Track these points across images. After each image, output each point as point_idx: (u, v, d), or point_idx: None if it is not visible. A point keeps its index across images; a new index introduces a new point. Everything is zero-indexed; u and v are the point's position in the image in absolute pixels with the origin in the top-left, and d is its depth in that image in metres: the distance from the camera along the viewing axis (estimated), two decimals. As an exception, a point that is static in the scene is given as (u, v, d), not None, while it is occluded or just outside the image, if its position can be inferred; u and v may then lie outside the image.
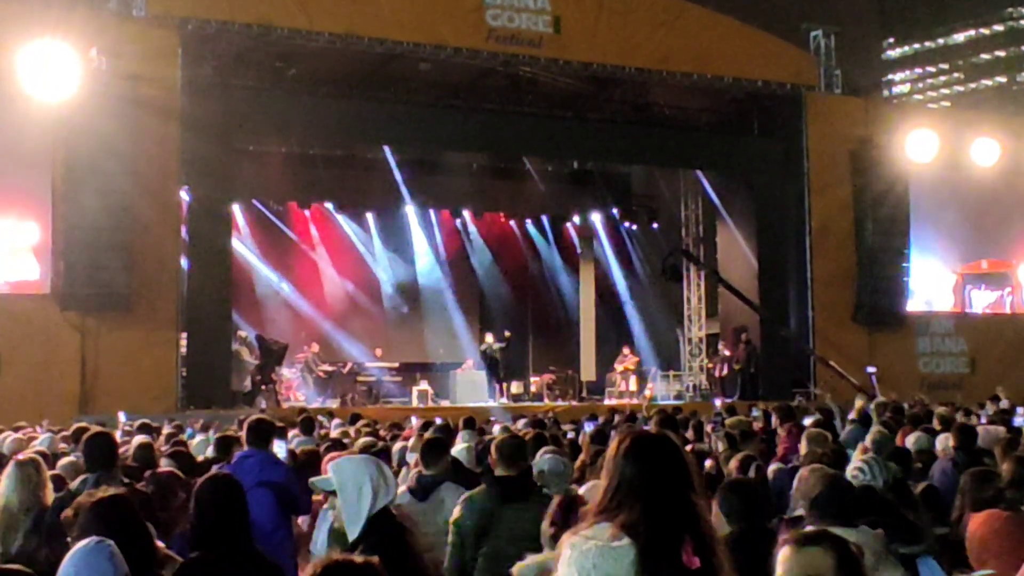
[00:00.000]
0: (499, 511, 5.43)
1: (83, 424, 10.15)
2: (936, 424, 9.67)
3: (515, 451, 5.84)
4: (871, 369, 20.05)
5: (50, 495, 5.66)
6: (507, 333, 24.34)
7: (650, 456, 3.05)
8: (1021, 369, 24.50)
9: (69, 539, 3.91)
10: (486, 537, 5.41)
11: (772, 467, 7.49)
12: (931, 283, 25.93)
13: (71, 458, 7.41)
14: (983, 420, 11.56)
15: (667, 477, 3.01)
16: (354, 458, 4.44)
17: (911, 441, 8.10)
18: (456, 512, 5.54)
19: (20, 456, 6.18)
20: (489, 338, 24.24)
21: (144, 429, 10.55)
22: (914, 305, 25.26)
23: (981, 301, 26.70)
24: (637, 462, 3.03)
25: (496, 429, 11.36)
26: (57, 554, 5.11)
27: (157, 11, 18.73)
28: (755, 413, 14.59)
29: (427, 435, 7.92)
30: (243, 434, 7.42)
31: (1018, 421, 10.05)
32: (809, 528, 3.03)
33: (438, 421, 12.39)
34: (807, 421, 10.21)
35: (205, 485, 4.45)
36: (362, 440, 9.29)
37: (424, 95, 22.26)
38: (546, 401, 23.54)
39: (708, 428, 11.01)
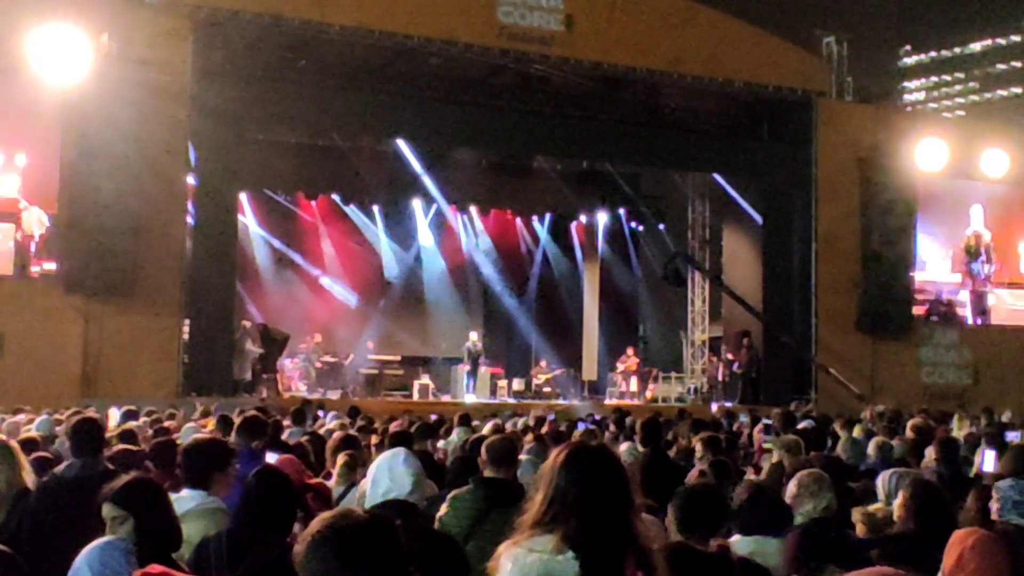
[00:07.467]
0: (485, 513, 5.18)
1: (74, 410, 10.18)
2: (909, 434, 9.58)
3: (505, 453, 5.60)
4: None
5: (28, 477, 5.69)
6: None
7: (587, 469, 2.99)
8: (1024, 382, 24.46)
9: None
10: (471, 538, 5.17)
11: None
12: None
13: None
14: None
15: (603, 490, 2.95)
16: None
17: (871, 447, 8.12)
18: (443, 509, 5.37)
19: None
20: (473, 336, 24.24)
21: (129, 416, 10.52)
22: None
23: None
24: (573, 474, 2.97)
25: (488, 427, 11.36)
26: (39, 534, 5.20)
27: (169, -3, 18.78)
28: (743, 419, 14.48)
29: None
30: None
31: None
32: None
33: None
34: (800, 427, 10.20)
35: (254, 478, 4.51)
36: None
37: (434, 90, 22.21)
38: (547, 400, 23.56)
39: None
